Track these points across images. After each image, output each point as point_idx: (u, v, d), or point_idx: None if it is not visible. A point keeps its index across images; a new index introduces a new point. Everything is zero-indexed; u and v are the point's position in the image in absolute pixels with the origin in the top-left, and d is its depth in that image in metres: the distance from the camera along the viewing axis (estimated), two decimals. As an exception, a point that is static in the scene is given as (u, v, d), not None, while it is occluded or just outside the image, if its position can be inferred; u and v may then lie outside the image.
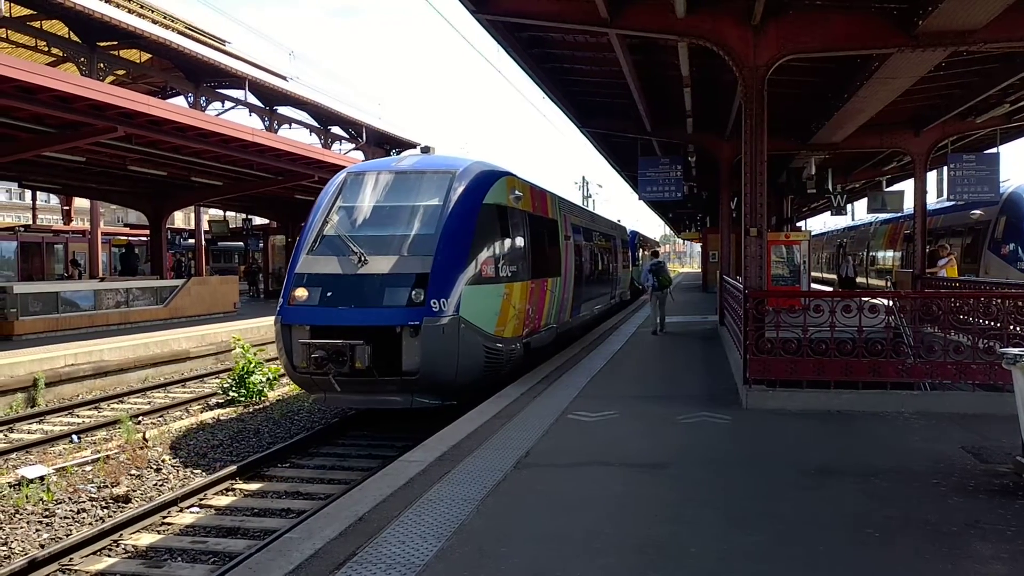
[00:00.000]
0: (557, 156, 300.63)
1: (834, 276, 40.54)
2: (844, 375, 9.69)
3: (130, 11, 28.75)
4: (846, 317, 9.73)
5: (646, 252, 39.76)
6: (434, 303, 10.54)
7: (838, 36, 10.92)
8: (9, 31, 25.73)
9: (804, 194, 25.52)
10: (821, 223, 67.49)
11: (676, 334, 19.16)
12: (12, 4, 23.39)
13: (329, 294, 10.85)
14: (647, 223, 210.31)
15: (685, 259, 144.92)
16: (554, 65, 16.55)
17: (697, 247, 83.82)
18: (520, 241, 13.06)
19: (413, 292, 10.62)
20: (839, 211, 35.67)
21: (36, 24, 25.75)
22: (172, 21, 32.77)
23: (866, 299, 10.13)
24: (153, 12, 31.52)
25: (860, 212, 45.98)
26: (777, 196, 27.61)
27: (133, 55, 29.40)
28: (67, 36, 26.37)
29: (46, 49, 27.50)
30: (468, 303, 10.88)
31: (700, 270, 51.67)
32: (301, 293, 11.00)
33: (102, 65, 26.91)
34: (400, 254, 11.02)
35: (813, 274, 29.63)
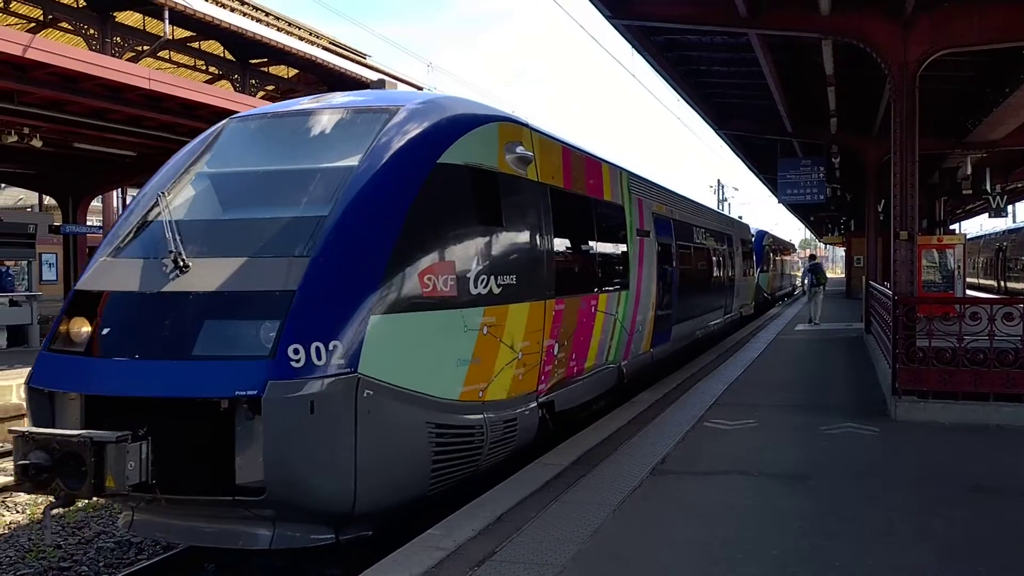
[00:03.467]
0: (692, 160, 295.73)
1: (992, 282, 38.13)
2: (1005, 387, 9.10)
3: (279, 29, 30.33)
4: (1007, 325, 9.14)
5: (785, 257, 38.44)
6: (296, 352, 5.52)
7: (997, 27, 10.33)
8: (172, 52, 27.64)
9: (959, 195, 24.27)
10: (978, 225, 63.50)
11: (818, 341, 18.49)
12: (175, 28, 25.13)
13: (118, 332, 6.06)
14: (786, 227, 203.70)
15: (827, 264, 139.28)
16: (689, 67, 16.39)
17: (840, 251, 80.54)
18: (527, 234, 7.83)
19: (261, 330, 5.69)
20: (998, 213, 33.49)
21: (195, 45, 27.56)
22: (317, 37, 34.33)
23: (1030, 307, 9.49)
24: (300, 29, 33.13)
25: (1022, 214, 43.03)
26: (929, 197, 26.27)
27: (281, 71, 31.02)
28: (222, 55, 28.09)
29: (204, 68, 29.38)
30: (385, 347, 5.90)
31: (843, 275, 49.59)
32: (76, 328, 6.19)
33: (254, 81, 28.52)
34: (248, 255, 6.09)
35: (968, 280, 27.95)
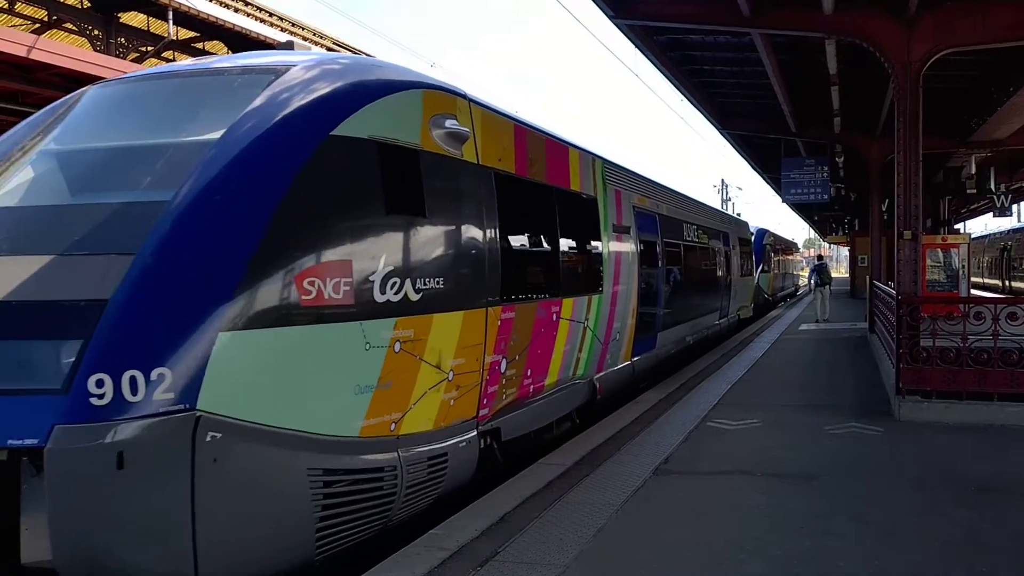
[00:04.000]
0: (695, 160, 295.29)
1: (996, 282, 38.08)
2: (1009, 387, 9.08)
3: (283, 29, 30.35)
4: (1011, 325, 9.12)
5: (788, 256, 38.15)
6: (99, 384, 4.15)
7: (1002, 26, 10.28)
8: (176, 53, 27.69)
9: (963, 195, 24.22)
10: (982, 225, 63.36)
11: (822, 341, 18.47)
12: (179, 28, 25.16)
13: None
14: (791, 226, 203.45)
15: (831, 263, 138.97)
16: (693, 67, 16.37)
17: (844, 251, 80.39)
18: (461, 227, 6.50)
19: (57, 354, 4.29)
20: (1003, 212, 33.41)
21: (199, 45, 27.59)
22: (321, 38, 34.31)
23: (1034, 306, 9.46)
24: (304, 30, 33.11)
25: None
26: (933, 197, 26.20)
27: (285, 71, 31.02)
28: (226, 55, 28.13)
29: (208, 68, 29.40)
30: (240, 373, 4.61)
31: (847, 275, 49.44)
32: None
33: (257, 81, 28.50)
34: (58, 252, 4.66)
35: (973, 279, 27.88)
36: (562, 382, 8.71)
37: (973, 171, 21.56)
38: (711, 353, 16.44)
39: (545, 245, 8.50)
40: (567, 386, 8.88)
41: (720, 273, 19.22)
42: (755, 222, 34.44)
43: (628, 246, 11.19)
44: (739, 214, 41.90)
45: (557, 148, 9.05)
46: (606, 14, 11.56)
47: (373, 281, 5.39)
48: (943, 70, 13.32)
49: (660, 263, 13.00)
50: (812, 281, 24.59)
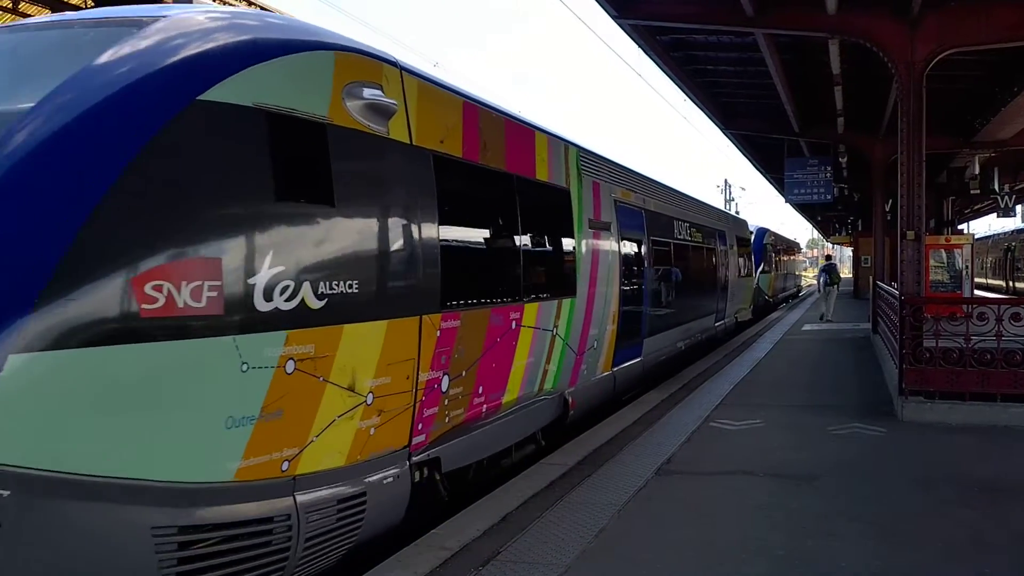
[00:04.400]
0: (698, 159, 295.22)
1: (1000, 282, 38.03)
2: (1013, 388, 9.06)
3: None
4: (1015, 326, 9.10)
5: (789, 256, 37.91)
6: None
7: (1005, 26, 10.27)
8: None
9: (966, 195, 24.21)
10: (986, 225, 63.28)
11: (825, 341, 18.44)
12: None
13: None
14: (794, 227, 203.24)
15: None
16: (696, 67, 16.37)
17: (847, 251, 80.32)
18: (386, 219, 5.50)
19: None
20: (1007, 213, 33.37)
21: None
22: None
23: (1038, 307, 9.45)
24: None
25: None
26: (936, 197, 26.19)
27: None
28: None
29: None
30: (42, 408, 3.56)
31: (851, 275, 49.35)
32: None
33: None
34: None
35: (976, 280, 27.84)
36: (525, 399, 7.63)
37: (977, 171, 21.54)
38: (713, 354, 16.41)
39: (502, 242, 7.38)
40: (531, 403, 7.78)
41: (715, 273, 18.21)
42: (758, 222, 33.69)
43: (608, 244, 10.19)
44: (738, 212, 41.19)
45: (520, 132, 7.92)
46: (609, 14, 11.56)
47: (254, 285, 4.27)
48: (947, 70, 13.32)
49: (646, 263, 12.10)
50: (821, 280, 25.02)
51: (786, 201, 28.06)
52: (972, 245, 22.09)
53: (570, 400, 8.73)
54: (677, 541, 5.37)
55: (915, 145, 10.39)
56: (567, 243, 8.86)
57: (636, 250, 11.68)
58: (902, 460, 7.65)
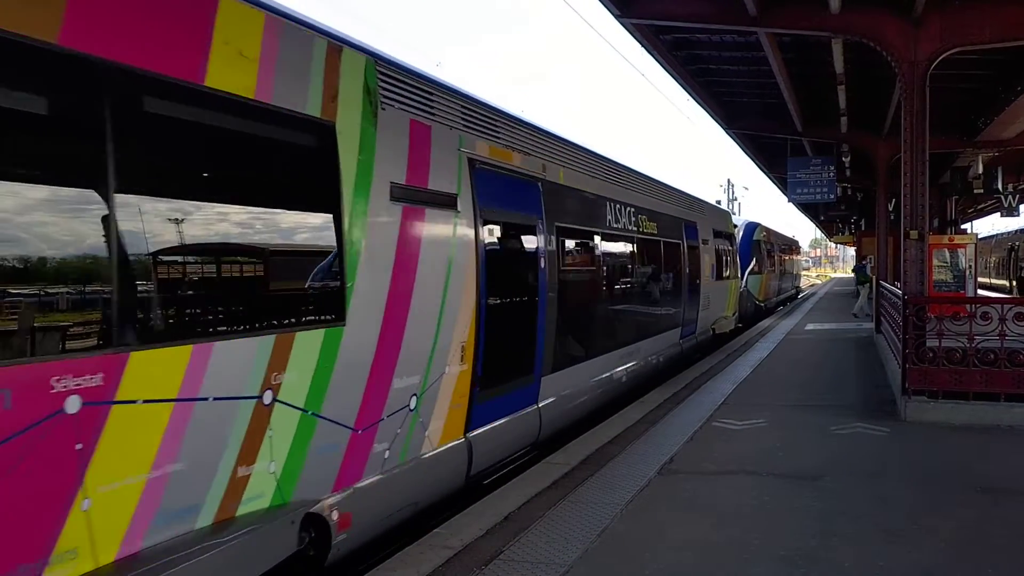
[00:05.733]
0: (701, 159, 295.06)
1: (1004, 282, 37.95)
2: (1016, 388, 9.05)
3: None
4: (1018, 326, 9.08)
5: (787, 256, 36.67)
6: None
7: (1009, 25, 10.25)
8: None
9: (970, 194, 24.13)
10: (989, 225, 63.10)
11: (828, 341, 18.41)
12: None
13: None
14: (798, 226, 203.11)
15: (838, 263, 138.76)
16: (699, 67, 16.35)
17: (851, 251, 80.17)
18: None
19: None
20: (1010, 212, 33.28)
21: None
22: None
23: (1041, 306, 9.43)
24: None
25: (1034, 213, 42.65)
26: (940, 197, 26.10)
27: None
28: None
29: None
30: None
31: (854, 275, 49.20)
32: None
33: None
34: None
35: (980, 280, 27.77)
36: (152, 552, 3.79)
37: (980, 171, 21.49)
38: (714, 355, 16.37)
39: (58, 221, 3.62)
40: (185, 554, 3.89)
41: (680, 276, 14.49)
42: (761, 221, 31.44)
43: (447, 229, 6.51)
44: (734, 212, 38.75)
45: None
46: (612, 13, 11.54)
47: None
48: (950, 69, 13.29)
49: (546, 262, 8.34)
50: (857, 278, 27.44)
51: (789, 200, 27.96)
52: (975, 245, 22.06)
53: (334, 519, 5.03)
54: (679, 541, 5.37)
55: (919, 144, 10.37)
56: (312, 224, 5.25)
57: (522, 242, 8.04)
58: (905, 460, 7.63)
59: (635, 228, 11.91)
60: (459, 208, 6.66)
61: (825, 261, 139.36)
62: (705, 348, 16.83)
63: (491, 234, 7.27)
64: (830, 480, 6.84)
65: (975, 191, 22.81)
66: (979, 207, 38.09)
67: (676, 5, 11.73)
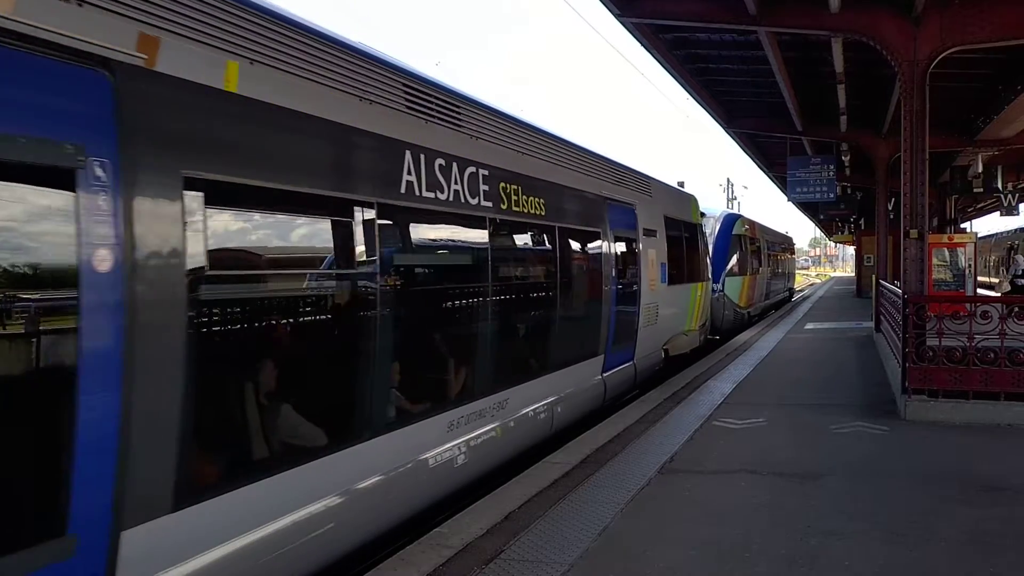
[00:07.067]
0: (701, 158, 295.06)
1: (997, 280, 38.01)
2: (1016, 387, 9.04)
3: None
4: (1019, 324, 9.08)
5: (779, 255, 33.83)
6: None
7: (1008, 24, 10.26)
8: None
9: (970, 193, 24.16)
10: (989, 224, 63.16)
11: (828, 340, 18.41)
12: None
13: None
14: (798, 225, 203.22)
15: (837, 263, 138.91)
16: (699, 65, 16.35)
17: (850, 250, 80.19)
18: None
19: None
20: (1010, 211, 33.30)
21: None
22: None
23: (1041, 305, 9.43)
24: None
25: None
26: (939, 196, 26.14)
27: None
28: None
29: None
30: None
31: (853, 274, 49.14)
32: None
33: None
34: None
35: (980, 279, 27.79)
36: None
37: (980, 170, 21.53)
38: (714, 354, 16.36)
39: None
40: None
41: (599, 280, 10.18)
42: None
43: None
44: (731, 210, 31.96)
45: None
46: (612, 12, 11.54)
47: None
48: (950, 68, 13.29)
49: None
50: None
51: (788, 199, 28.01)
52: (975, 244, 22.07)
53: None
54: (680, 540, 5.37)
55: (918, 143, 10.38)
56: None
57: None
58: (905, 459, 7.63)
59: (490, 204, 7.17)
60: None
61: (824, 260, 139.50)
62: (647, 379, 12.24)
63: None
64: (830, 479, 6.83)
65: (975, 190, 22.86)
66: (979, 206, 38.14)
67: (676, 4, 11.73)
